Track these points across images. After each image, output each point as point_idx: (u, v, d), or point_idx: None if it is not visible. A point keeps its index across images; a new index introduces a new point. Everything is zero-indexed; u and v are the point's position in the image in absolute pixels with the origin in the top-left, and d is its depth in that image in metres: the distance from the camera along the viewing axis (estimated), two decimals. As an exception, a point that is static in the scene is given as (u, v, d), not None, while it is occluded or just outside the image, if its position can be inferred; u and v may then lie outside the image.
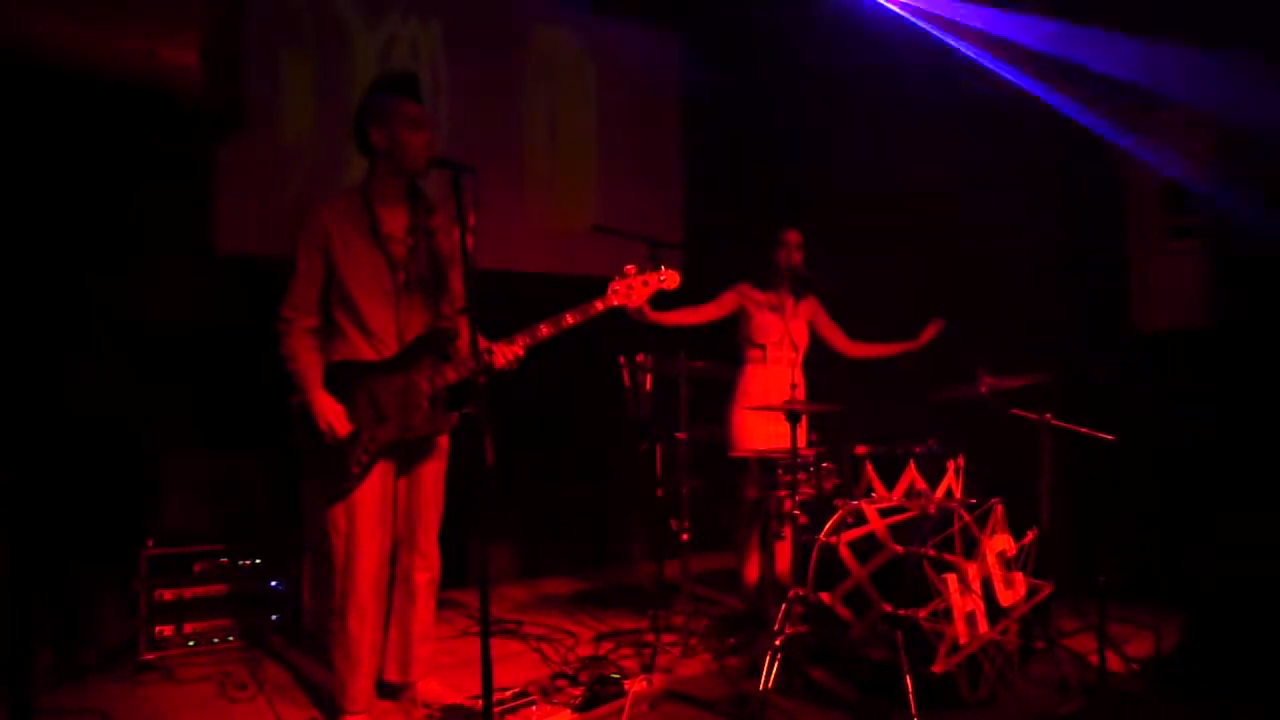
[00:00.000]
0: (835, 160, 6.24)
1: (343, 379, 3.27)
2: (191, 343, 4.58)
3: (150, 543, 4.13)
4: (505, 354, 3.23)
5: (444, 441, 3.51)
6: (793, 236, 4.69)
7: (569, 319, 3.27)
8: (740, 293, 4.74)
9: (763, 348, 4.68)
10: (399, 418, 3.27)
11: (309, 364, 3.26)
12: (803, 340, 4.75)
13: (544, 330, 3.25)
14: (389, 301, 3.28)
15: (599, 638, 4.45)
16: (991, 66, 5.34)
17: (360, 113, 3.31)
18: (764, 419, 4.55)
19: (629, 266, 3.37)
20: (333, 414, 3.21)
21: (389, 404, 3.26)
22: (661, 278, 3.37)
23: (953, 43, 5.48)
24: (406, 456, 3.43)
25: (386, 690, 3.61)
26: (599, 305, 3.30)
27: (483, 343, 3.22)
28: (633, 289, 3.33)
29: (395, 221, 3.32)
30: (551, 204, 5.96)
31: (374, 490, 3.31)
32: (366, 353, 3.28)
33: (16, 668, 3.46)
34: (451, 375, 3.28)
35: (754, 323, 4.70)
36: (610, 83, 6.19)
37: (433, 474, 3.50)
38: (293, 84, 5.07)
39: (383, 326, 3.28)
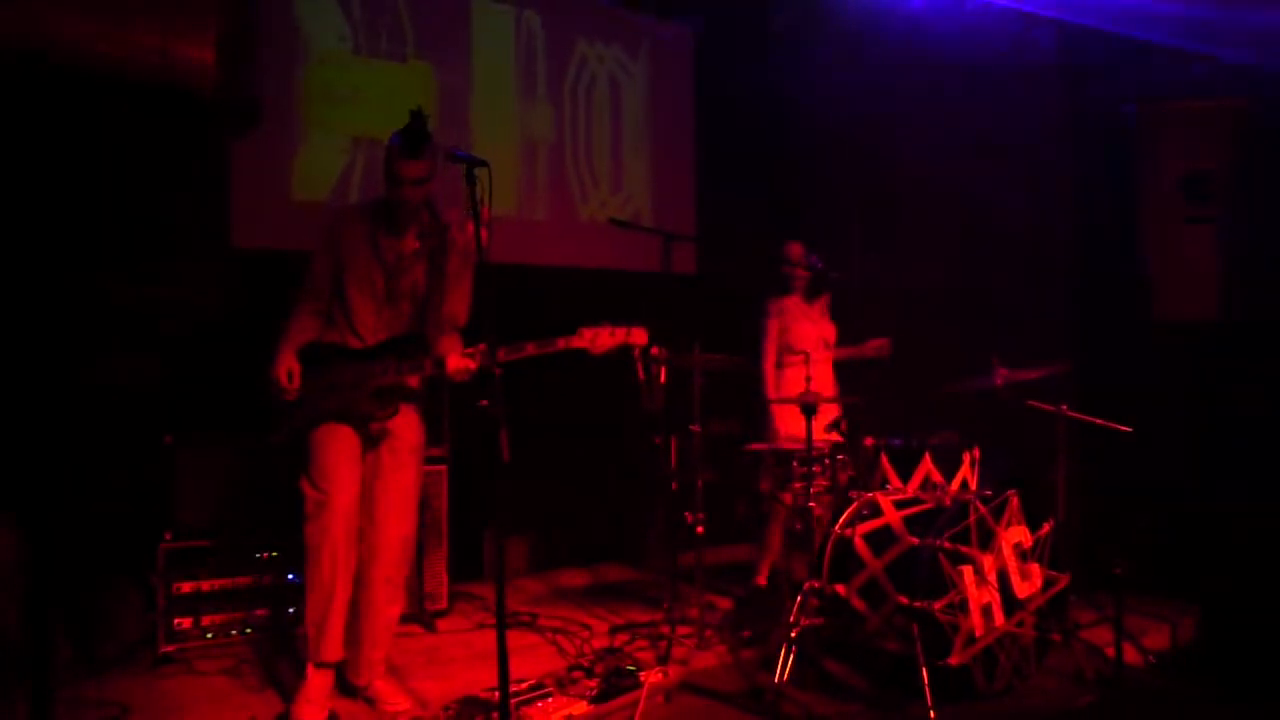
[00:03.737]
0: (845, 155, 6.21)
1: (319, 355, 3.58)
2: (208, 336, 4.60)
3: (168, 536, 4.16)
4: (456, 363, 3.39)
5: (411, 439, 3.62)
6: (795, 251, 4.98)
7: (530, 349, 3.32)
8: (776, 311, 5.00)
9: (804, 354, 4.68)
10: (345, 394, 3.52)
11: (296, 331, 3.58)
12: (832, 336, 5.12)
13: (501, 354, 3.10)
14: (376, 305, 3.59)
15: (614, 630, 4.47)
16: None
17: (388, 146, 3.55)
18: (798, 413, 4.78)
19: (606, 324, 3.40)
20: (285, 369, 3.50)
21: (343, 383, 3.53)
22: (630, 333, 3.40)
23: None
24: (371, 442, 3.57)
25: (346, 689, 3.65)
26: (560, 343, 3.35)
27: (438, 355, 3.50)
28: (598, 337, 3.35)
29: (395, 241, 3.60)
30: (569, 198, 5.96)
31: (342, 443, 3.50)
32: (351, 342, 3.59)
33: (36, 661, 3.48)
34: (405, 375, 3.52)
35: (791, 334, 4.98)
36: (625, 75, 6.18)
37: (395, 468, 3.58)
38: (307, 81, 5.09)
39: (364, 325, 3.58)
